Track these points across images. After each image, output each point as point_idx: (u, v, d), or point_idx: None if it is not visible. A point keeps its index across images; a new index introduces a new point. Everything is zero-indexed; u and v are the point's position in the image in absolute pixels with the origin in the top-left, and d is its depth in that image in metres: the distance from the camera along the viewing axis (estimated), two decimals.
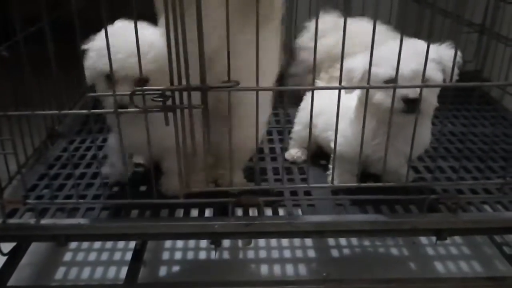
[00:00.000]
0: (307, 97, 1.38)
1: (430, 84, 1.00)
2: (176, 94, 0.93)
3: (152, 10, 1.03)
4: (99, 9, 0.90)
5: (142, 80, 0.97)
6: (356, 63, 1.06)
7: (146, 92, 0.94)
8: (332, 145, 1.08)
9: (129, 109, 0.97)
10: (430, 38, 0.94)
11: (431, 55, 0.95)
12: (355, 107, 1.13)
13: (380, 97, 1.03)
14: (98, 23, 0.94)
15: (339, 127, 1.02)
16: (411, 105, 1.00)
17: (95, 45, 1.03)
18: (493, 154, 1.38)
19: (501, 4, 1.74)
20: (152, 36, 1.03)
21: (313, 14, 1.94)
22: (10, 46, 1.14)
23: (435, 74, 1.01)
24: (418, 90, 0.98)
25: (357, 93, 1.13)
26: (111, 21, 1.03)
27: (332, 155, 1.16)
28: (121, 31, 1.00)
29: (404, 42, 0.93)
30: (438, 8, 1.74)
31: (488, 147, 1.40)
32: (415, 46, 1.00)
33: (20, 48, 0.99)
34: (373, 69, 0.96)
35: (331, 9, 1.93)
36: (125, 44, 0.97)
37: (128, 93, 0.93)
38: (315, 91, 1.03)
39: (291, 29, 1.87)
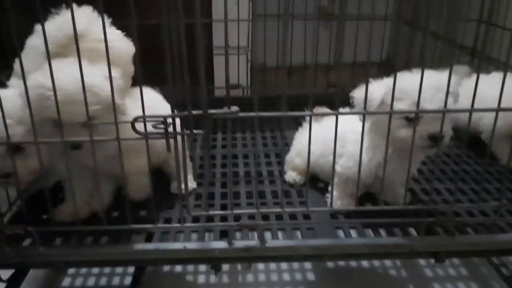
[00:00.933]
0: (301, 129, 1.42)
1: (450, 109, 1.02)
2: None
3: None
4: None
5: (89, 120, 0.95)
6: (375, 90, 1.06)
7: (147, 120, 0.96)
8: (331, 169, 1.09)
9: (130, 137, 0.98)
10: (423, 60, 0.97)
11: (450, 88, 0.98)
12: (368, 133, 1.12)
13: (406, 133, 1.04)
14: None
15: (348, 150, 1.04)
16: (436, 141, 1.02)
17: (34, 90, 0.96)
18: (488, 176, 1.41)
19: (491, 28, 1.79)
20: (90, 76, 0.96)
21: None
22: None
23: (453, 107, 1.04)
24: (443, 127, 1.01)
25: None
26: None
27: (335, 179, 1.18)
28: (61, 74, 0.94)
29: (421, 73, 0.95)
30: (429, 31, 1.78)
31: (482, 169, 1.42)
32: (434, 79, 1.00)
33: None
34: (395, 103, 0.99)
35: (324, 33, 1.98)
36: (68, 89, 0.94)
37: (129, 121, 0.95)
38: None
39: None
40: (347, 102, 1.13)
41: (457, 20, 1.78)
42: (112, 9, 1.03)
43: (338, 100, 0.99)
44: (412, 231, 1.15)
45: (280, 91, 1.11)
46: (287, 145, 1.46)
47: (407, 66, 1.08)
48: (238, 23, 1.88)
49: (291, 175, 1.39)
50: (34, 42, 1.13)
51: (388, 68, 2.40)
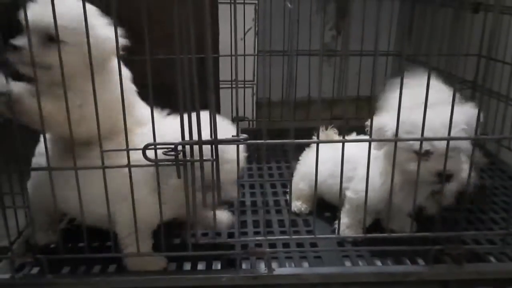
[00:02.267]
0: (306, 152, 1.44)
1: (454, 137, 1.02)
2: None
3: None
4: None
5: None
6: (387, 121, 1.07)
7: (158, 147, 0.98)
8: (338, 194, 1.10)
9: (141, 164, 1.00)
10: (426, 94, 1.00)
11: (462, 125, 1.01)
12: (382, 159, 1.14)
13: (414, 167, 1.04)
14: None
15: (360, 173, 1.05)
16: (443, 179, 1.04)
17: None
18: (493, 206, 1.41)
19: (491, 62, 1.83)
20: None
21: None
22: None
23: (466, 144, 1.06)
24: (451, 165, 1.03)
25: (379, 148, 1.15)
26: None
27: (346, 205, 1.19)
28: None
29: (433, 108, 0.98)
30: (431, 66, 1.83)
31: (488, 199, 1.43)
32: (447, 115, 1.00)
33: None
34: (406, 136, 1.02)
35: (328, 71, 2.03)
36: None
37: (141, 148, 0.98)
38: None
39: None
40: (351, 131, 1.16)
41: (458, 55, 1.83)
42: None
43: (344, 131, 1.02)
44: (420, 260, 1.14)
45: (285, 123, 1.14)
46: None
47: None
48: (244, 58, 1.94)
49: (296, 205, 1.40)
50: None
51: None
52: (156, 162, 0.99)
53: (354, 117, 2.17)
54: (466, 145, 1.05)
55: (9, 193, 1.10)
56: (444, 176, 1.03)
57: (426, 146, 1.03)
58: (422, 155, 1.03)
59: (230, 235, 1.26)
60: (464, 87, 1.98)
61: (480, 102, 1.91)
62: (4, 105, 0.99)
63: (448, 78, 1.55)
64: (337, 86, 2.21)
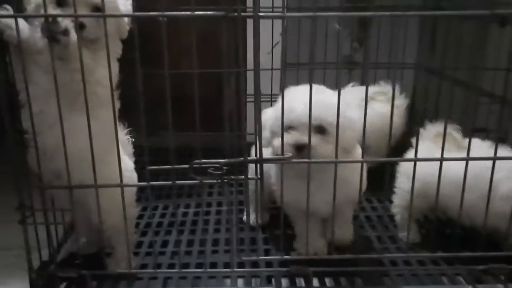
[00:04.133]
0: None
1: None
2: None
3: None
4: None
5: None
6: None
7: (204, 165, 0.99)
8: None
9: (185, 181, 1.01)
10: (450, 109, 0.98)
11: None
12: None
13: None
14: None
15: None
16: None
17: None
18: None
19: None
20: None
21: None
22: None
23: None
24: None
25: None
26: None
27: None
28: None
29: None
30: (456, 80, 1.83)
31: None
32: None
33: None
34: None
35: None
36: None
37: (187, 166, 0.98)
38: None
39: None
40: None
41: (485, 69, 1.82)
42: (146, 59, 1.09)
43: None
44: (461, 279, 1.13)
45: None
46: None
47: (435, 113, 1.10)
48: (272, 72, 1.95)
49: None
50: None
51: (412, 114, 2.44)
52: (200, 180, 1.00)
53: None
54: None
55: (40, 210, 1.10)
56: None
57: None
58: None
59: (266, 251, 1.26)
60: (492, 101, 1.97)
61: (510, 116, 1.92)
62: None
63: (475, 92, 1.55)
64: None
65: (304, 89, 1.05)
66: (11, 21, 0.92)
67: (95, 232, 1.18)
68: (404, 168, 1.28)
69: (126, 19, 1.05)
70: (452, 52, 1.05)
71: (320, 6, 1.97)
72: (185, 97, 1.53)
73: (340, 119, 0.98)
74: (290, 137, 1.03)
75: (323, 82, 2.00)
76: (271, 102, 2.01)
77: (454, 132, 1.22)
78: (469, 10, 0.95)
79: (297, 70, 2.06)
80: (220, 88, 0.96)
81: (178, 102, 1.13)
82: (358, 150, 1.11)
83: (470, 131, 1.08)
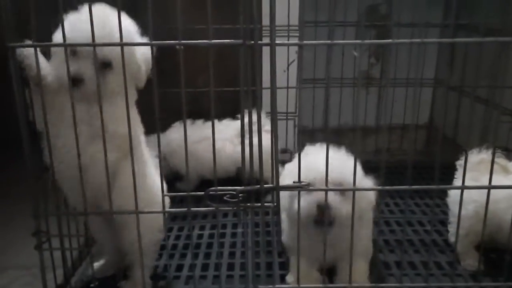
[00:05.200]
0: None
1: None
2: None
3: None
4: None
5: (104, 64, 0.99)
6: None
7: (219, 192, 0.97)
8: None
9: (201, 208, 1.00)
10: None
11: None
12: None
13: None
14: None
15: None
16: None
17: (70, 18, 0.98)
18: None
19: None
20: (128, 24, 1.03)
21: None
22: None
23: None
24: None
25: None
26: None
27: None
28: (98, 12, 0.96)
29: None
30: (477, 97, 1.79)
31: None
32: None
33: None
34: None
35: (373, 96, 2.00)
36: (99, 23, 0.92)
37: (202, 193, 0.97)
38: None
39: None
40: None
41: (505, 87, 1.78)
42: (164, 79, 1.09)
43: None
44: None
45: None
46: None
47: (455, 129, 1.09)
48: (288, 90, 1.94)
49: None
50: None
51: (431, 131, 2.40)
52: (216, 208, 0.98)
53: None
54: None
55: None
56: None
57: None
58: None
59: (282, 277, 1.24)
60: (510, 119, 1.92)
61: None
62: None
63: (493, 108, 1.51)
64: (377, 114, 2.20)
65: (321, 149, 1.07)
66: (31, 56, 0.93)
67: (117, 254, 1.19)
68: (454, 197, 1.29)
69: (144, 69, 1.05)
70: (472, 68, 1.03)
71: (337, 22, 1.98)
72: (202, 116, 1.53)
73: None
74: (313, 198, 1.04)
75: (340, 98, 2.02)
76: (287, 119, 2.01)
77: (499, 159, 1.21)
78: (489, 28, 0.93)
79: (313, 86, 2.05)
80: (236, 108, 0.95)
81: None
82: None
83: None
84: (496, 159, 1.11)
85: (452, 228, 1.34)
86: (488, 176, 1.01)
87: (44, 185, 1.07)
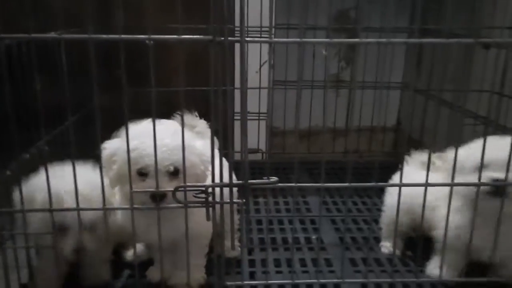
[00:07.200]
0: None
1: None
2: None
3: None
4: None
5: (175, 173, 1.01)
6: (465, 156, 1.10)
7: (188, 189, 0.98)
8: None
9: (170, 205, 0.99)
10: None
11: None
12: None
13: None
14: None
15: None
16: None
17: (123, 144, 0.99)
18: None
19: (504, 98, 1.84)
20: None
21: None
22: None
23: None
24: None
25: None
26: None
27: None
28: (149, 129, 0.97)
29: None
30: (442, 100, 1.85)
31: None
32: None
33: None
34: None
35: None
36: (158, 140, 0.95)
37: (172, 189, 0.97)
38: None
39: None
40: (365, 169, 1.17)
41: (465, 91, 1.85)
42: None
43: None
44: None
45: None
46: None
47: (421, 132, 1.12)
48: (260, 91, 1.95)
49: (386, 246, 1.39)
50: None
51: (399, 133, 2.46)
52: (185, 204, 0.98)
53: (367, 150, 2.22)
54: None
55: None
56: None
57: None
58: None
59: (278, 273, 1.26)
60: (478, 122, 1.99)
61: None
62: None
63: (460, 113, 1.57)
64: (347, 116, 2.25)
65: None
66: None
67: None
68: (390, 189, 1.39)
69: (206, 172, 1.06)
70: (438, 71, 1.07)
71: (308, 25, 2.02)
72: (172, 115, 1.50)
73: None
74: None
75: (311, 100, 2.05)
76: (259, 120, 2.03)
77: (437, 160, 1.26)
78: (454, 33, 0.97)
79: (285, 88, 2.07)
80: (208, 107, 0.96)
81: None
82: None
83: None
84: (435, 161, 1.23)
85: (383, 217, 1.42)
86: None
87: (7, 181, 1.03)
